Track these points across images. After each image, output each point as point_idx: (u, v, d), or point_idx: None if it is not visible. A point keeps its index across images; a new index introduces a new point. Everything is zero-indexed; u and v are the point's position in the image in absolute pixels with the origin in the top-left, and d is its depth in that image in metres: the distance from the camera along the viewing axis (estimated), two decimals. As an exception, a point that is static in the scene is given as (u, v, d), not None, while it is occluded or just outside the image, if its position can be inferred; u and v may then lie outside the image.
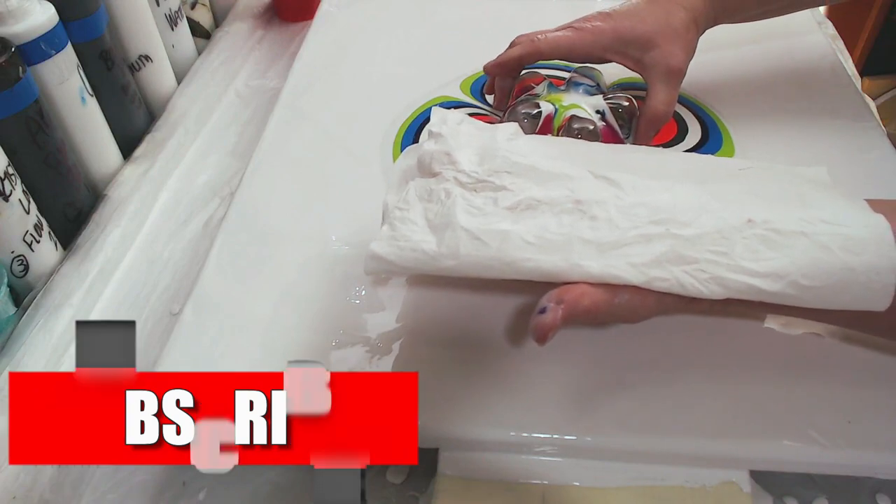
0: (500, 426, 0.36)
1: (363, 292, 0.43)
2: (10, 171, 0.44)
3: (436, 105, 0.55)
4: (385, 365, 0.39)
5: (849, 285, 0.32)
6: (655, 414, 0.37)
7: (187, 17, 0.67)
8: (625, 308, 0.33)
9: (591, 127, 0.48)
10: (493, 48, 0.52)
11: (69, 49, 0.49)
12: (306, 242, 0.46)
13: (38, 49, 0.46)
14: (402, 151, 0.52)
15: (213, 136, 0.62)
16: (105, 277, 0.50)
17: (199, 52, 0.69)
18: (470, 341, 0.40)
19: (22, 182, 0.45)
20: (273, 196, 0.50)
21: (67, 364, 0.45)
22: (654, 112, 0.48)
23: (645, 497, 0.35)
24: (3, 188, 0.43)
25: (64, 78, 0.49)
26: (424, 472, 0.38)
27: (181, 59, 0.66)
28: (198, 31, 0.70)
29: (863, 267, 0.31)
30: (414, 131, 0.55)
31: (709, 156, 0.47)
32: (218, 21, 0.74)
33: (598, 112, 0.49)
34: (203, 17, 0.71)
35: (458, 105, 0.57)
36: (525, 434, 0.36)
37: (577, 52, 0.50)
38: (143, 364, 0.44)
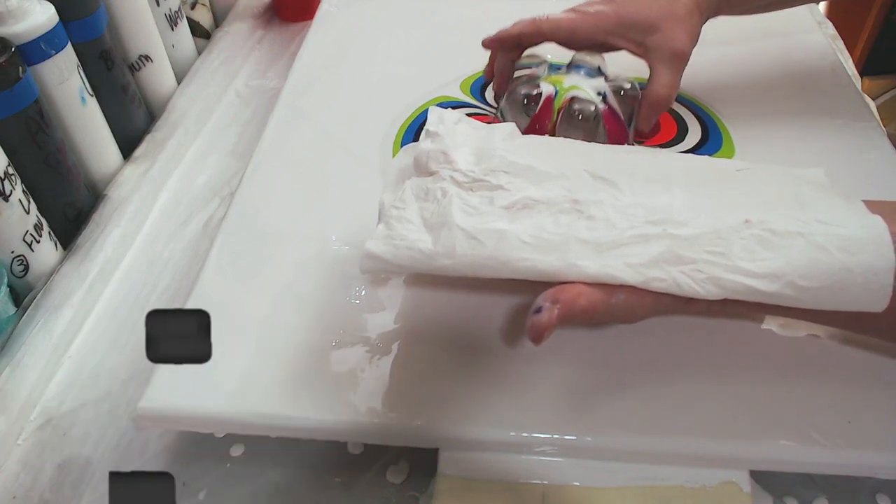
0: (500, 426, 0.36)
1: (363, 292, 0.43)
2: (10, 171, 0.44)
3: (435, 105, 0.55)
4: (385, 365, 0.39)
5: (846, 286, 0.32)
6: (655, 414, 0.37)
7: (187, 17, 0.67)
8: (622, 308, 0.33)
9: (593, 108, 0.47)
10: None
11: (69, 49, 0.49)
12: (306, 242, 0.46)
13: (38, 49, 0.46)
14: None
15: (213, 136, 0.62)
16: (105, 277, 0.50)
17: (199, 52, 0.69)
18: (470, 341, 0.40)
19: (22, 182, 0.45)
20: (273, 196, 0.50)
21: (67, 364, 0.45)
22: (657, 96, 0.47)
23: (645, 497, 0.35)
24: (3, 188, 0.43)
25: (64, 78, 0.49)
26: (424, 472, 0.38)
27: (181, 59, 0.66)
28: (198, 31, 0.70)
29: (860, 267, 0.31)
30: (414, 131, 0.55)
31: (706, 157, 0.47)
32: (218, 21, 0.74)
33: (599, 94, 0.48)
34: (203, 17, 0.71)
35: (457, 105, 0.57)
36: (525, 434, 0.36)
37: (579, 35, 0.49)
38: (142, 364, 0.44)
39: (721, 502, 0.35)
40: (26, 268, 0.46)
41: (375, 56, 0.63)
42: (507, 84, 0.53)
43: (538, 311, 0.31)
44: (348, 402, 0.37)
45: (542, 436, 0.36)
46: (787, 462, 0.36)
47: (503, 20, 0.55)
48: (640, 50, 0.48)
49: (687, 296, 0.33)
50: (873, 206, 0.34)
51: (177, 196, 0.57)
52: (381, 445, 0.38)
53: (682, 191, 0.35)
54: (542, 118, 0.49)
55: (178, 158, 0.59)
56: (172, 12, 0.63)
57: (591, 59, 0.51)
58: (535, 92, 0.49)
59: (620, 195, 0.35)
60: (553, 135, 0.48)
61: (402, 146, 0.53)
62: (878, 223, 0.32)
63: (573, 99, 0.48)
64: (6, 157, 0.44)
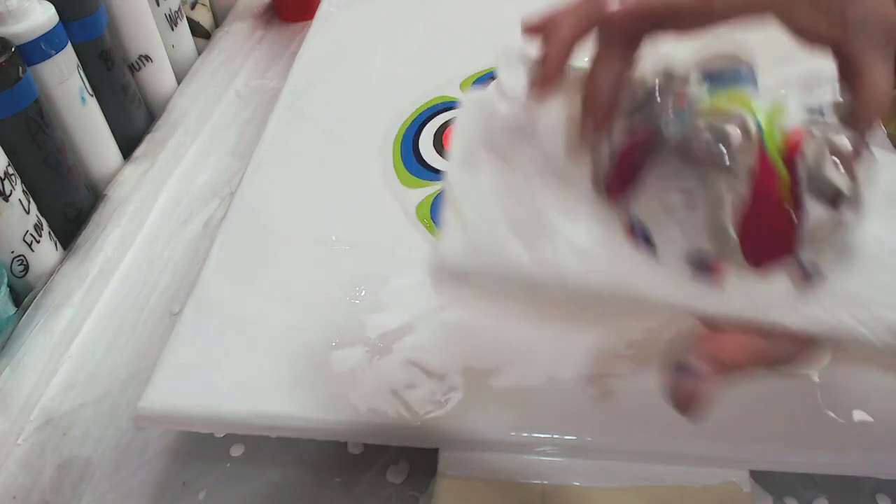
0: (500, 426, 0.36)
1: (363, 292, 0.43)
2: (10, 171, 0.44)
3: (434, 105, 0.55)
4: (385, 365, 0.39)
5: None
6: (655, 414, 0.36)
7: (187, 17, 0.67)
8: (783, 356, 0.26)
9: (846, 148, 0.27)
10: (494, 48, 0.52)
11: (69, 49, 0.49)
12: (306, 242, 0.46)
13: (38, 49, 0.46)
14: (401, 152, 0.52)
15: (213, 136, 0.62)
16: (105, 277, 0.50)
17: (199, 52, 0.69)
18: (470, 341, 0.40)
19: (22, 182, 0.45)
20: (273, 196, 0.50)
21: (67, 364, 0.45)
22: (878, 92, 0.29)
23: (645, 497, 0.35)
24: (3, 188, 0.43)
25: (64, 78, 0.49)
26: (424, 472, 0.38)
27: (181, 59, 0.66)
28: (198, 31, 0.70)
29: None
30: (414, 131, 0.54)
31: None
32: (218, 21, 0.74)
33: (819, 114, 0.28)
34: (203, 17, 0.71)
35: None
36: (525, 434, 0.36)
37: (720, 7, 0.27)
38: (142, 364, 0.45)
39: (721, 502, 0.35)
40: (26, 268, 0.46)
41: (375, 56, 0.63)
42: (611, 118, 0.28)
43: (686, 370, 0.24)
44: (348, 402, 0.37)
45: (542, 436, 0.36)
46: (787, 462, 0.36)
47: (503, 20, 0.55)
48: (834, 30, 0.28)
49: (859, 343, 0.25)
50: None
51: (177, 196, 0.57)
52: (381, 445, 0.38)
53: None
54: (763, 192, 0.25)
55: (178, 158, 0.59)
56: (172, 12, 0.63)
57: (738, 61, 0.28)
58: (721, 131, 0.24)
59: None
60: (795, 229, 0.26)
61: (402, 146, 0.53)
62: None
63: (811, 136, 0.26)
64: (6, 157, 0.44)
